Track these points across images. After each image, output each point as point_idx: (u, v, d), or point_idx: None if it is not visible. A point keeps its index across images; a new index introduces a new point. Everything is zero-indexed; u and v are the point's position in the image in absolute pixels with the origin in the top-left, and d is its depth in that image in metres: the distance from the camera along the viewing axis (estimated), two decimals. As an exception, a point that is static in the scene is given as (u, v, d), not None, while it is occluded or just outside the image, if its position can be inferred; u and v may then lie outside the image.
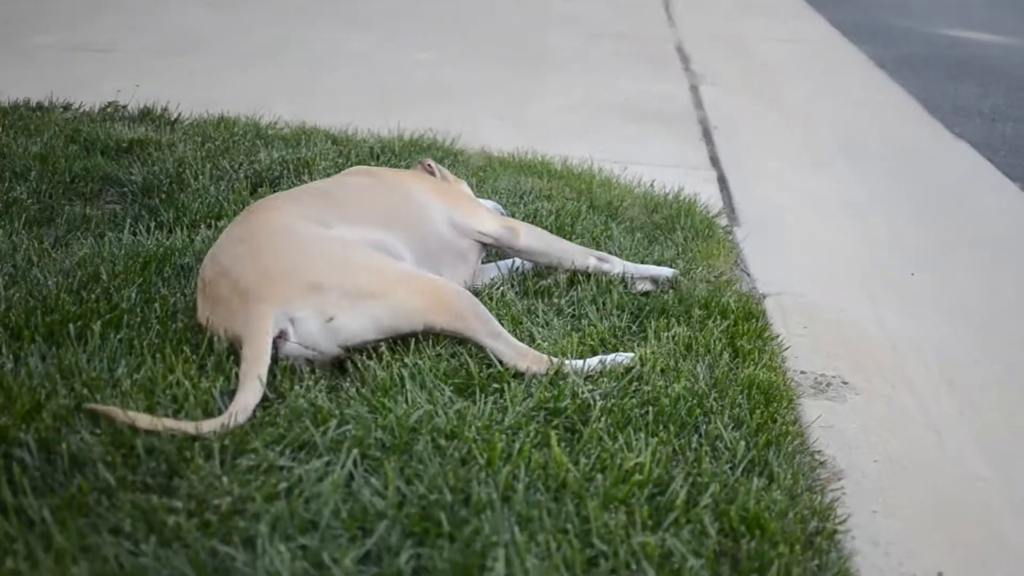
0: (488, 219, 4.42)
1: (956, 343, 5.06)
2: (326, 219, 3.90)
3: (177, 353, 3.60)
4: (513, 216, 4.97)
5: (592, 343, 3.91)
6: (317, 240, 3.76)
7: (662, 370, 3.79)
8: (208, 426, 3.22)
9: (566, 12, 11.31)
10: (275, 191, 5.08)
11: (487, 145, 6.31)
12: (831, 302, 5.08)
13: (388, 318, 3.67)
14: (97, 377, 3.39)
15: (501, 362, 3.67)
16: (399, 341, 3.74)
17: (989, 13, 15.19)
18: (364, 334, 3.67)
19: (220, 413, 3.29)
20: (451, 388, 3.53)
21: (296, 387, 3.44)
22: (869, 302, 5.28)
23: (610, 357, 3.80)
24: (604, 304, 4.22)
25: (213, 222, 4.71)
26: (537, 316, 4.10)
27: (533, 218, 5.00)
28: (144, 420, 3.20)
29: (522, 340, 3.88)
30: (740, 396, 3.69)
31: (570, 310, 4.17)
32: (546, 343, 3.87)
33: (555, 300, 4.24)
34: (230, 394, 3.37)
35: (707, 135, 7.18)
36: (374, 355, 3.66)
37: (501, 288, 4.28)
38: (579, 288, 4.32)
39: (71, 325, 3.66)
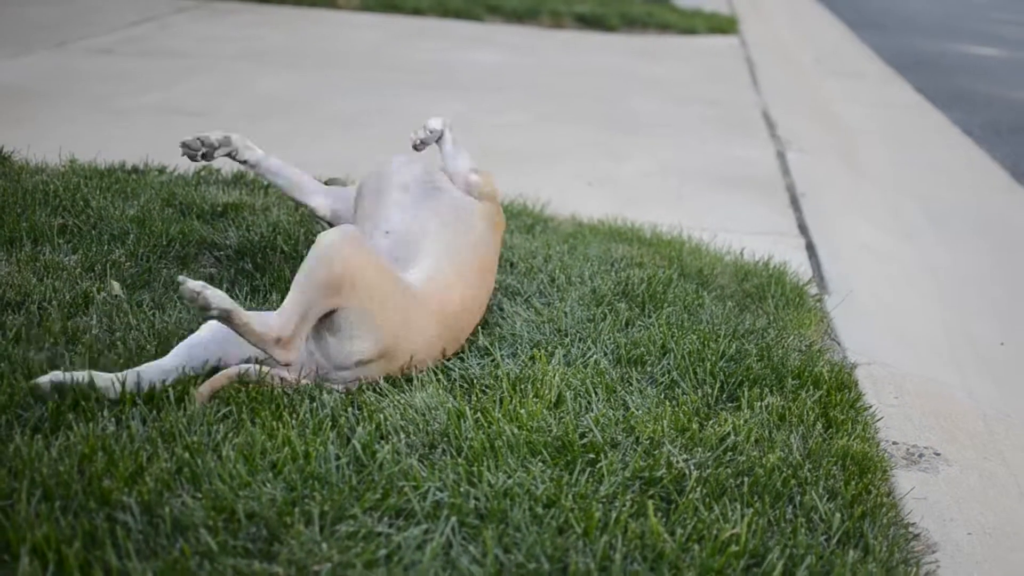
0: None
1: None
2: None
3: (277, 418, 3.64)
4: (606, 286, 5.02)
5: (687, 412, 3.92)
6: None
7: (756, 440, 3.80)
8: None
9: (652, 77, 11.35)
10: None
11: (577, 211, 6.34)
12: (922, 371, 5.07)
13: None
14: (198, 441, 3.44)
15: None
16: (490, 406, 3.79)
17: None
18: None
19: (321, 473, 3.33)
20: (547, 454, 3.56)
21: (388, 452, 3.48)
22: (959, 372, 5.27)
23: None
24: (696, 373, 4.24)
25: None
26: (631, 384, 4.12)
27: (625, 285, 5.02)
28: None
29: (616, 409, 3.90)
30: (834, 467, 3.69)
31: (664, 379, 4.18)
32: (640, 411, 3.89)
33: (648, 368, 4.25)
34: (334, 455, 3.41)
35: (795, 202, 7.18)
36: (466, 418, 3.70)
37: (595, 356, 4.30)
38: (672, 356, 4.33)
39: (171, 389, 3.72)
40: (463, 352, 4.27)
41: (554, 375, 4.03)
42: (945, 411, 4.69)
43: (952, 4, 25.13)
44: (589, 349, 4.37)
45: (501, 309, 4.67)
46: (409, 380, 4.03)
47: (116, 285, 4.18)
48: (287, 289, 4.64)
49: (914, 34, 18.63)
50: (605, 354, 4.35)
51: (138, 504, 3.12)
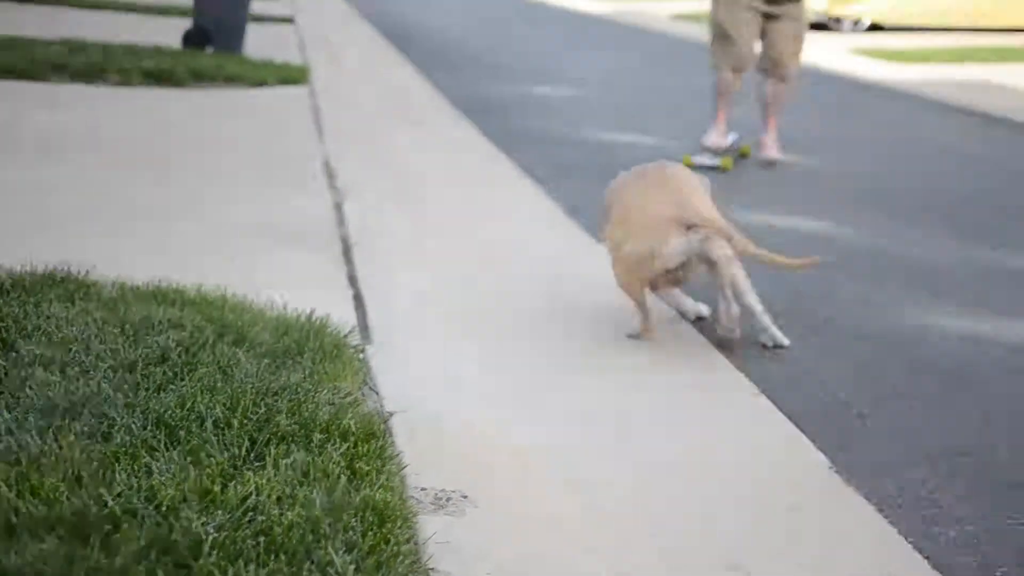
0: None
1: (584, 446, 5.24)
2: None
3: None
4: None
5: (210, 474, 3.94)
6: None
7: (278, 498, 3.85)
8: None
9: (220, 132, 11.31)
10: None
11: (122, 274, 6.23)
12: (458, 414, 5.21)
13: None
14: None
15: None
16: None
17: (640, 115, 15.71)
18: None
19: None
20: (62, 529, 3.53)
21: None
22: (496, 411, 5.42)
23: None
24: (224, 434, 4.26)
25: None
26: (157, 451, 4.11)
27: (163, 349, 5.00)
28: None
29: (139, 477, 3.89)
30: (354, 519, 3.77)
31: (187, 439, 4.18)
32: (163, 477, 3.89)
33: (179, 433, 4.24)
34: None
35: (347, 252, 7.27)
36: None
37: (124, 425, 4.27)
38: (202, 419, 4.35)
39: None
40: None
41: (72, 451, 3.99)
42: (478, 452, 4.83)
43: (522, 45, 25.82)
44: (119, 418, 4.33)
45: (27, 380, 4.59)
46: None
47: None
48: None
49: (484, 76, 19.07)
50: (133, 423, 4.32)
51: None
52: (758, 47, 12.18)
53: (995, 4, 31.86)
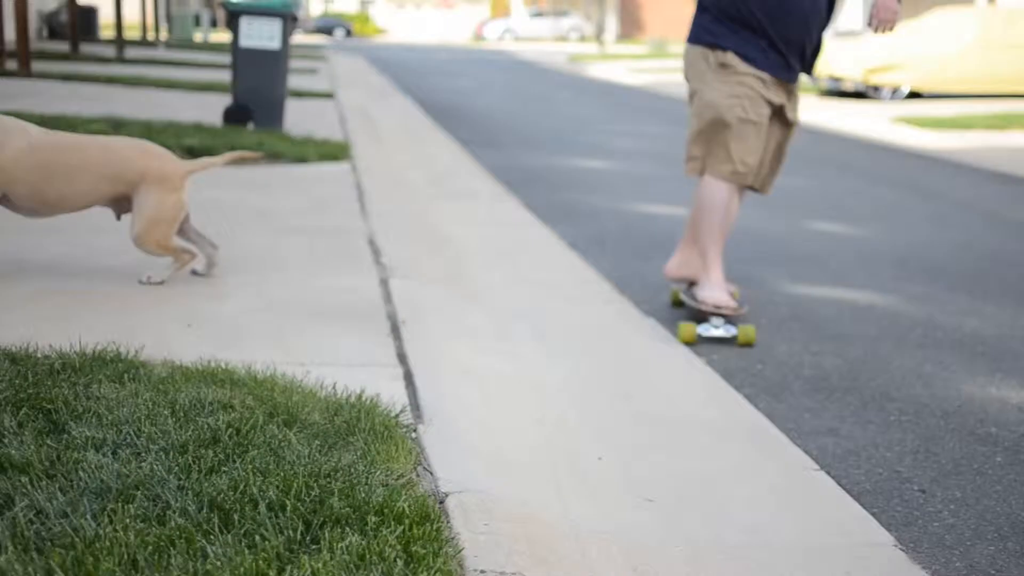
0: None
1: (642, 526, 5.16)
2: None
3: None
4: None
5: (266, 558, 3.88)
6: None
7: (336, 582, 3.78)
8: None
9: (260, 209, 11.28)
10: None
11: (171, 355, 6.21)
12: (515, 495, 5.12)
13: None
14: None
15: None
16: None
17: (682, 187, 15.66)
18: None
19: None
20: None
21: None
22: (554, 491, 5.35)
23: None
24: (278, 517, 4.19)
25: None
26: (212, 535, 4.04)
27: (213, 431, 4.94)
28: None
29: (192, 559, 3.83)
30: (414, 605, 3.69)
31: (241, 522, 4.11)
32: (219, 561, 3.82)
33: (233, 516, 4.18)
34: None
35: (395, 330, 7.20)
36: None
37: (177, 508, 4.21)
38: (256, 502, 4.28)
39: None
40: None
41: (127, 534, 3.94)
42: (536, 533, 4.74)
43: (563, 119, 25.89)
44: (172, 501, 4.28)
45: (79, 463, 4.54)
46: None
47: None
48: None
49: (528, 150, 19.10)
50: (188, 506, 4.26)
51: None
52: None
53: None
